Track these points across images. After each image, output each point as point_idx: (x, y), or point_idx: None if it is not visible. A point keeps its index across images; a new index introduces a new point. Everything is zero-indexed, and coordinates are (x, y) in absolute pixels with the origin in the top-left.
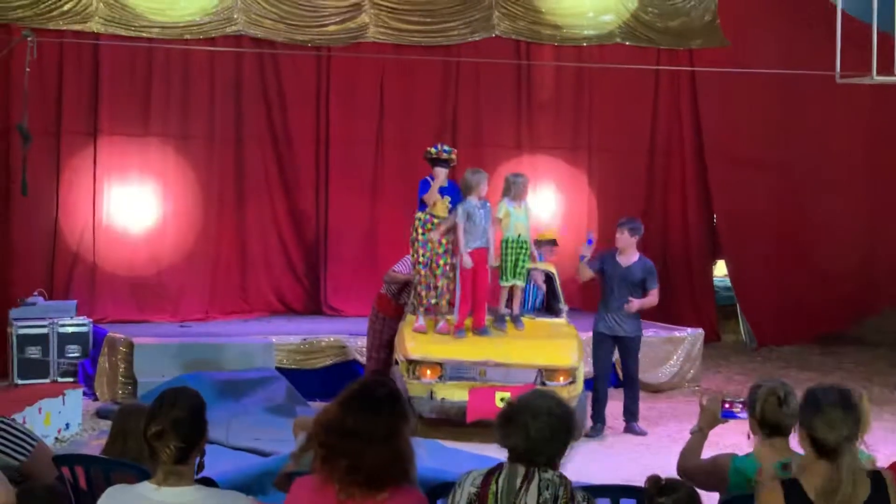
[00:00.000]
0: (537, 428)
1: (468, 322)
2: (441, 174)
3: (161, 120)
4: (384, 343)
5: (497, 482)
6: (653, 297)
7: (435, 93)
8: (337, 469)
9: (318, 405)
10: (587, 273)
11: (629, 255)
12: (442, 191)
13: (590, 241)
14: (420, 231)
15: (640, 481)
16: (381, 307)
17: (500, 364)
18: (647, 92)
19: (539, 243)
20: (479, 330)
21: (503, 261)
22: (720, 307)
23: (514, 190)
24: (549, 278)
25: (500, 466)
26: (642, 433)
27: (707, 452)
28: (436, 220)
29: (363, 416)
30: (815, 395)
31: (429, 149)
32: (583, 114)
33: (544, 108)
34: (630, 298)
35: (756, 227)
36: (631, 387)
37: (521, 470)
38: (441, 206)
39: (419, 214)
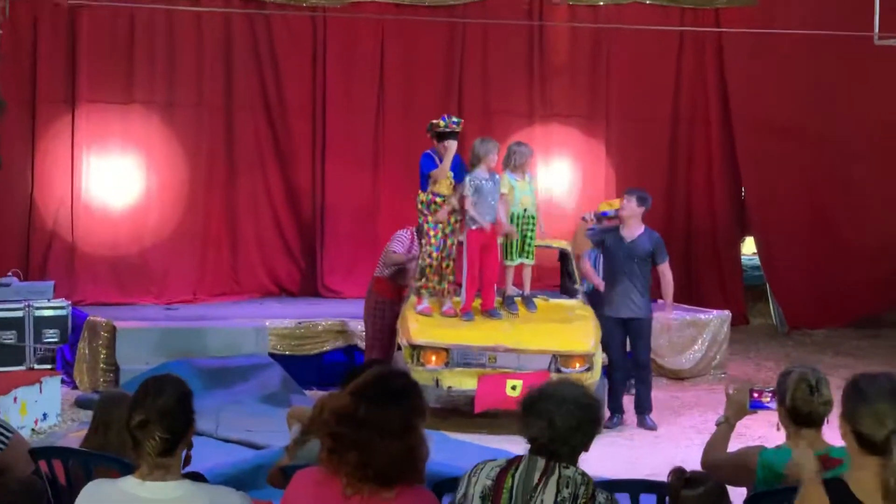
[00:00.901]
0: (563, 417)
1: (476, 304)
2: (452, 147)
3: (144, 86)
4: (386, 328)
5: (513, 476)
6: (668, 277)
7: (440, 56)
8: (346, 462)
9: (314, 394)
10: (583, 242)
11: (633, 227)
12: (431, 165)
13: (605, 213)
14: (427, 211)
15: (661, 476)
16: (380, 290)
17: (512, 349)
18: (669, 55)
19: (599, 218)
20: (489, 312)
21: (508, 238)
22: (748, 288)
23: (514, 160)
24: (563, 256)
25: (517, 459)
26: (653, 427)
27: (734, 445)
28: (439, 200)
29: (378, 407)
30: (860, 385)
31: (435, 121)
32: (600, 79)
33: (558, 73)
34: (662, 301)
35: (787, 201)
36: (641, 375)
37: (541, 464)
38: (445, 183)
39: (421, 195)
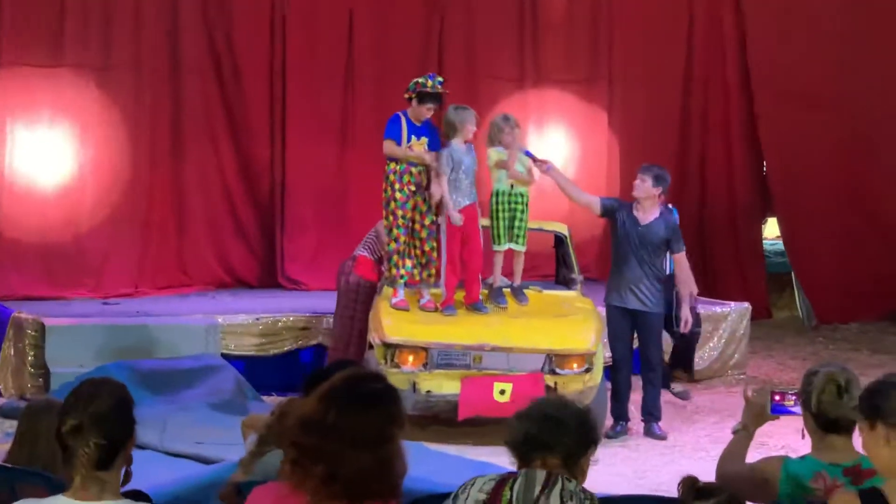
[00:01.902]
0: (556, 415)
1: (459, 296)
2: (428, 113)
3: (77, 46)
4: (361, 321)
5: (511, 489)
6: (684, 267)
7: (417, 13)
8: (311, 476)
9: (274, 400)
10: (579, 195)
11: (649, 209)
12: (418, 131)
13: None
14: (397, 187)
15: (671, 491)
16: (362, 270)
17: (500, 348)
18: (680, 8)
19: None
20: (474, 305)
21: (495, 219)
22: (771, 276)
23: (498, 136)
24: (559, 241)
25: (514, 473)
26: (662, 437)
27: (753, 455)
28: (414, 170)
29: (350, 413)
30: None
31: (421, 80)
32: (601, 37)
33: (553, 30)
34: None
35: (816, 176)
36: (650, 377)
37: (541, 476)
38: (418, 148)
39: (391, 165)
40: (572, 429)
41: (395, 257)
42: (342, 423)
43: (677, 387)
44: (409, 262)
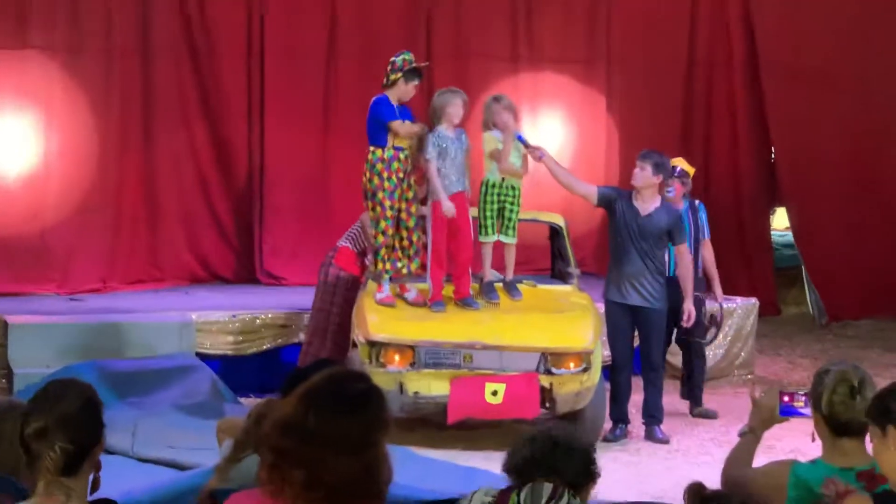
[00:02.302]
0: (566, 443)
1: (448, 291)
2: (414, 91)
3: (43, 27)
4: (342, 314)
5: (518, 496)
6: (686, 261)
7: None
8: (290, 482)
9: (251, 402)
10: (575, 183)
11: (649, 199)
12: (403, 114)
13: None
14: (385, 175)
15: (673, 498)
16: (343, 262)
17: (492, 346)
18: None
19: (680, 175)
20: (463, 300)
21: (483, 210)
22: (780, 270)
23: (492, 118)
24: (554, 233)
25: (519, 484)
26: (664, 440)
27: (761, 459)
28: (402, 156)
29: (331, 416)
30: None
31: (408, 57)
32: (599, 15)
33: (549, 7)
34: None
35: (827, 163)
36: (651, 378)
37: (548, 488)
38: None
39: (378, 152)
40: (580, 459)
41: (382, 251)
42: (323, 426)
43: (708, 412)
44: (397, 256)
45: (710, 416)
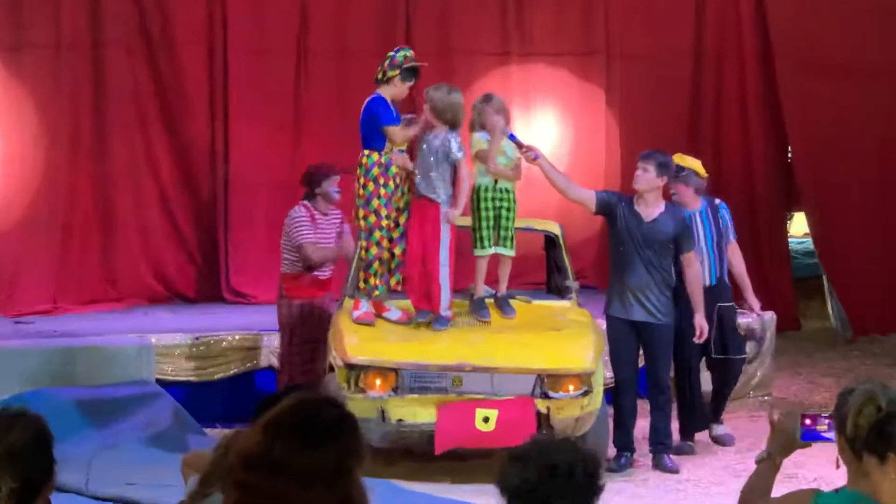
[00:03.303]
0: (565, 465)
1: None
2: (408, 91)
3: None
4: (302, 341)
5: None
6: (696, 270)
7: None
8: None
9: (218, 433)
10: (571, 189)
11: (653, 203)
12: (393, 117)
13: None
14: (382, 181)
15: None
16: (290, 288)
17: (482, 368)
18: None
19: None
20: (436, 321)
21: (477, 219)
22: (799, 280)
23: (481, 118)
24: (550, 242)
25: None
26: (674, 470)
27: (780, 489)
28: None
29: (298, 446)
30: None
31: (404, 54)
32: (597, 3)
33: None
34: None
35: (849, 163)
36: (659, 401)
37: None
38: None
39: (374, 156)
40: (581, 481)
41: (376, 265)
42: (290, 457)
43: (719, 429)
44: (382, 271)
45: (724, 442)
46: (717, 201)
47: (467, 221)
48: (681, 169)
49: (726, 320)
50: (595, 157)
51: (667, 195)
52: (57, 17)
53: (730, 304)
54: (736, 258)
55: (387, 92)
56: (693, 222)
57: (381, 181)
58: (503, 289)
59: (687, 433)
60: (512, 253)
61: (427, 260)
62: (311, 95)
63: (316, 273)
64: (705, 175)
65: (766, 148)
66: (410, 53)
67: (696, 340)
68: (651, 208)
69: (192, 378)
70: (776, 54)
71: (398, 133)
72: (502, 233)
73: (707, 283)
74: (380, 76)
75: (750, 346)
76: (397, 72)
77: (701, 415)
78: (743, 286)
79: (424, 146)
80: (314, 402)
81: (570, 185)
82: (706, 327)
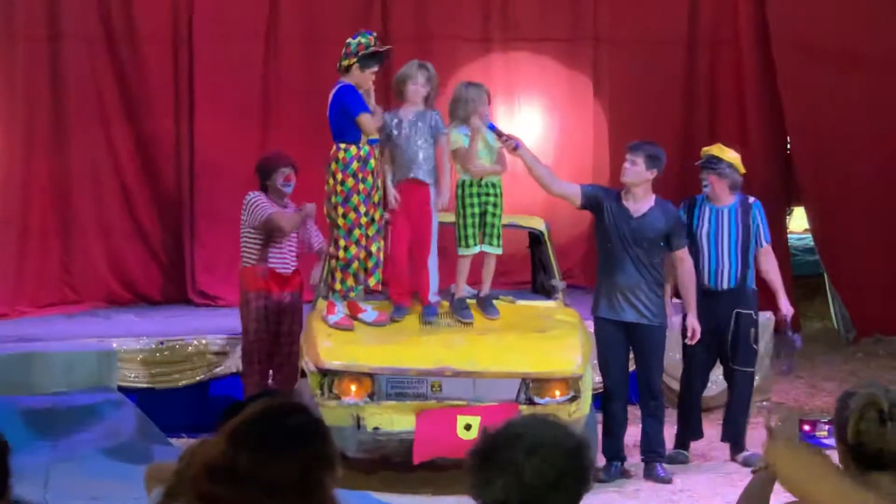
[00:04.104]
0: (535, 469)
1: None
2: (371, 78)
3: None
4: (259, 339)
5: None
6: (688, 266)
7: None
8: None
9: (184, 442)
10: (554, 182)
11: (642, 198)
12: (364, 105)
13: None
14: (360, 176)
15: None
16: (248, 283)
17: (464, 373)
18: None
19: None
20: (425, 311)
21: (461, 216)
22: (799, 279)
23: (463, 108)
24: (535, 240)
25: None
26: (667, 479)
27: (779, 499)
28: (377, 152)
29: (265, 456)
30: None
31: (364, 39)
32: None
33: None
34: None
35: (852, 155)
36: (651, 407)
37: None
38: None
39: (352, 149)
40: (559, 498)
41: (355, 265)
42: (256, 467)
43: (750, 458)
44: (360, 272)
45: (752, 464)
46: (752, 200)
47: (449, 218)
48: (718, 161)
49: (742, 328)
50: (582, 149)
51: (696, 185)
52: (11, 3)
53: (749, 311)
54: (769, 262)
55: (349, 81)
56: (719, 219)
57: (360, 176)
58: (487, 289)
59: (682, 441)
60: (499, 251)
61: (417, 246)
62: (280, 85)
63: (273, 265)
64: (744, 171)
65: (764, 140)
66: (367, 39)
67: (687, 342)
68: (640, 203)
69: (156, 385)
70: (774, 41)
71: (369, 123)
72: (488, 230)
73: (726, 285)
74: (338, 66)
75: (786, 360)
76: (354, 60)
77: (698, 424)
78: (774, 289)
79: (407, 127)
80: (281, 409)
81: (553, 179)
82: (699, 329)
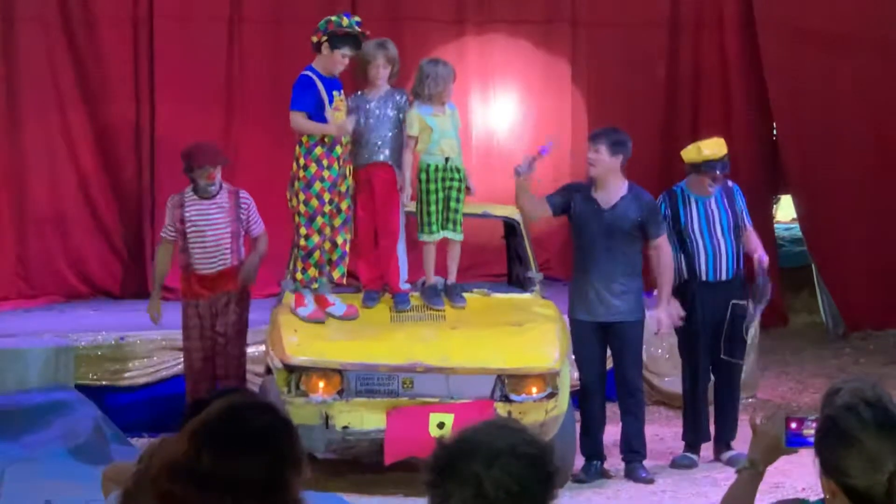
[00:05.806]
0: (495, 480)
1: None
2: (343, 62)
3: None
4: (196, 350)
5: None
6: (665, 256)
7: None
8: None
9: (144, 443)
10: (533, 205)
11: (612, 187)
12: (335, 85)
13: (544, 151)
14: (325, 163)
15: None
16: (182, 289)
17: (436, 369)
18: None
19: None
20: (396, 299)
21: (424, 202)
22: (786, 271)
23: (428, 87)
24: (510, 230)
25: None
26: (648, 480)
27: (765, 499)
28: (345, 140)
29: (228, 455)
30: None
31: (335, 18)
32: None
33: None
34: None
35: (841, 142)
36: (629, 405)
37: None
38: (343, 109)
39: (318, 136)
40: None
41: (316, 254)
42: (219, 467)
43: (728, 454)
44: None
45: (736, 464)
46: (731, 184)
47: (411, 206)
48: (727, 161)
49: (737, 319)
50: (560, 136)
51: (678, 171)
52: None
53: (743, 301)
54: (754, 241)
55: (319, 64)
56: (708, 210)
57: (325, 163)
58: (453, 276)
59: (694, 445)
60: (460, 237)
61: (383, 229)
62: (245, 68)
63: (197, 267)
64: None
65: (749, 125)
66: (338, 18)
67: (655, 333)
68: (610, 194)
69: (115, 383)
70: (759, 22)
71: (297, 120)
72: (451, 215)
73: (724, 276)
74: (313, 41)
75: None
76: (323, 38)
77: (707, 424)
78: (755, 247)
79: (374, 110)
80: (244, 407)
81: (533, 206)
82: (666, 320)
